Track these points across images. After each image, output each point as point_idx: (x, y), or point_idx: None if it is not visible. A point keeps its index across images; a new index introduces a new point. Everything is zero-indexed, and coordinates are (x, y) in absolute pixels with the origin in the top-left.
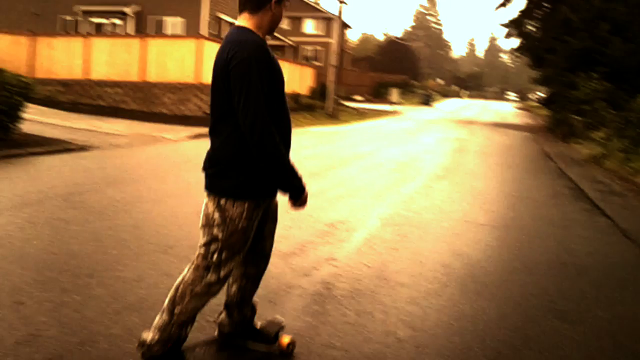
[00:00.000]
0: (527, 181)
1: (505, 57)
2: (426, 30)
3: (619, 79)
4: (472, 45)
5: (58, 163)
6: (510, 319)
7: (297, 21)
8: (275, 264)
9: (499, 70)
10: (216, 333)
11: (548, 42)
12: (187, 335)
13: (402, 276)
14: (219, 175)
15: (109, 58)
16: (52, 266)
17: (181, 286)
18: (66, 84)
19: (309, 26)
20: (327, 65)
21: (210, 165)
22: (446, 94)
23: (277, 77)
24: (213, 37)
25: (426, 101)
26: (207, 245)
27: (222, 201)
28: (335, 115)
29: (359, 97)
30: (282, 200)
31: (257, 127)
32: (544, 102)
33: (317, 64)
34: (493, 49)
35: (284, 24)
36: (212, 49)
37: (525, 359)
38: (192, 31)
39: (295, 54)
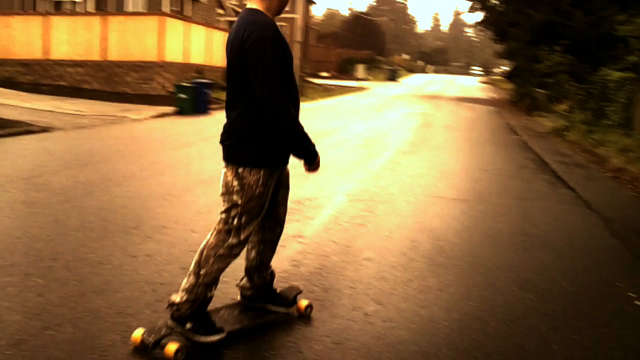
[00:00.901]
0: (492, 155)
1: (469, 32)
2: (391, 5)
3: (582, 52)
4: (436, 19)
5: (19, 145)
6: (475, 291)
7: None
8: None
9: (463, 45)
10: (239, 297)
11: (511, 16)
12: (212, 297)
13: (369, 251)
14: (236, 145)
15: (70, 37)
16: (14, 250)
17: (205, 250)
18: (26, 65)
19: None
20: (292, 41)
21: (228, 137)
22: (412, 69)
23: (287, 55)
24: (175, 14)
25: (392, 77)
26: (227, 211)
27: (240, 169)
28: (301, 92)
29: (325, 74)
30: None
31: (273, 100)
32: (507, 76)
33: None
34: (457, 24)
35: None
36: (174, 27)
37: (490, 330)
38: (153, 8)
39: None
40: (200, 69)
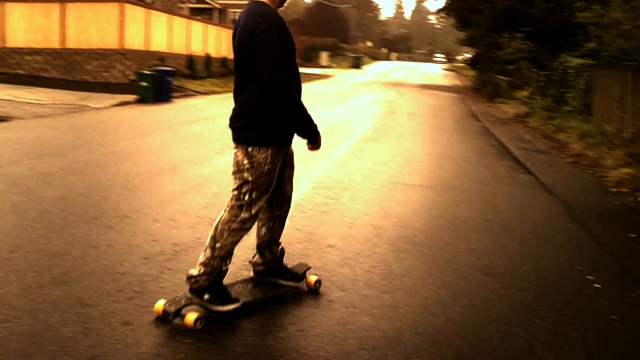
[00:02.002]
0: (455, 141)
1: (432, 19)
2: None
3: (542, 39)
4: (400, 7)
5: None
6: (438, 276)
7: None
8: (205, 232)
9: (427, 32)
10: (252, 273)
11: (473, 3)
12: (227, 270)
13: (333, 239)
14: (246, 127)
15: (27, 24)
16: None
17: (220, 225)
18: None
19: None
20: None
21: (237, 120)
22: (376, 57)
23: (290, 43)
24: (136, 1)
25: (356, 64)
26: (239, 188)
27: (250, 149)
28: None
29: None
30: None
31: (280, 84)
32: (470, 63)
33: None
34: (420, 11)
35: None
36: (135, 14)
37: (452, 314)
38: None
39: (222, 17)
40: (162, 57)
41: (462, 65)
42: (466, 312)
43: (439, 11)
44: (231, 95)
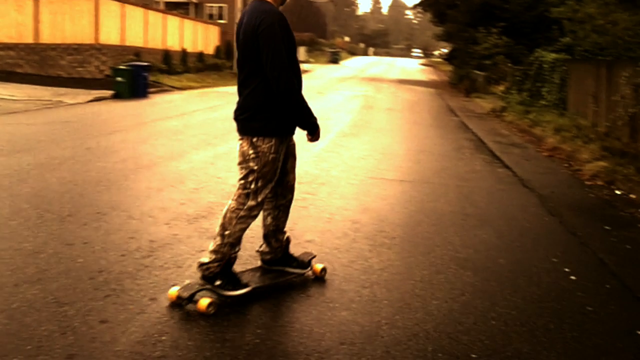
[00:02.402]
0: (433, 136)
1: (409, 14)
2: None
3: (518, 34)
4: (376, 2)
5: None
6: (416, 270)
7: None
8: (182, 228)
9: (404, 27)
10: (259, 262)
11: None
12: (236, 257)
13: (311, 234)
14: (250, 119)
15: None
16: None
17: (228, 213)
18: None
19: None
20: (232, 23)
21: (242, 112)
22: (353, 52)
23: (291, 40)
24: None
25: (334, 59)
26: (245, 177)
27: (255, 139)
28: None
29: None
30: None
31: (282, 78)
32: (447, 58)
33: (221, 22)
34: (397, 6)
35: None
36: (110, 8)
37: (430, 308)
38: None
39: (198, 11)
40: (137, 52)
41: (439, 60)
42: (444, 305)
43: (416, 6)
44: (207, 90)
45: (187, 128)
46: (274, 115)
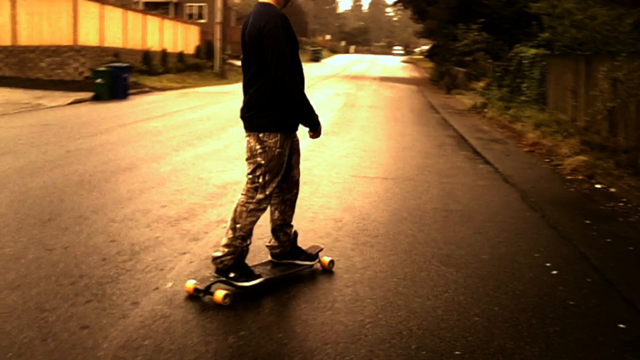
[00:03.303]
0: (414, 133)
1: (389, 11)
2: None
3: (498, 30)
4: None
5: None
6: (399, 268)
7: None
8: (164, 230)
9: (384, 25)
10: (269, 256)
11: None
12: (247, 250)
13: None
14: (256, 116)
15: None
16: None
17: (238, 207)
18: None
19: None
20: (212, 22)
21: (248, 110)
22: (335, 50)
23: (294, 41)
24: None
25: (315, 57)
26: (253, 172)
27: (261, 135)
28: (223, 74)
29: None
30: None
31: (286, 77)
32: (428, 55)
33: (201, 21)
34: (377, 3)
35: None
36: (88, 8)
37: (413, 305)
38: None
39: (178, 11)
40: (117, 53)
41: (420, 57)
42: (427, 302)
43: (396, 3)
44: (188, 90)
45: (168, 129)
46: (278, 112)
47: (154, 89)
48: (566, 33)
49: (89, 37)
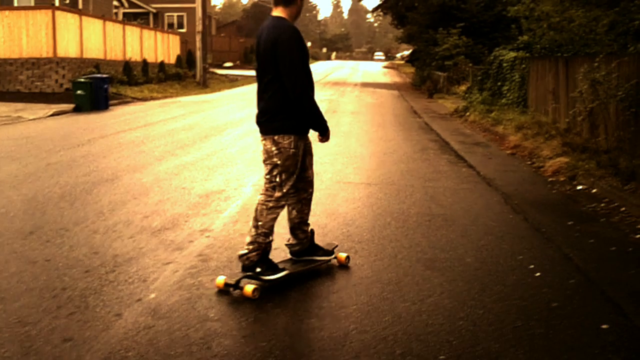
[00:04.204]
0: (397, 138)
1: (370, 17)
2: None
3: (477, 34)
4: (337, 6)
5: None
6: (384, 273)
7: None
8: (147, 241)
9: (365, 31)
10: (289, 254)
11: (408, 0)
12: (270, 246)
13: (277, 241)
14: (270, 120)
15: None
16: None
17: (258, 207)
18: None
19: None
20: (193, 31)
21: (263, 115)
22: (316, 57)
23: (305, 50)
24: (68, 7)
25: None
26: (270, 172)
27: (276, 137)
28: (205, 83)
29: (229, 64)
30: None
31: (297, 85)
32: (409, 60)
33: (182, 31)
34: (358, 9)
35: None
36: (67, 20)
37: (399, 310)
38: (44, 1)
39: (157, 21)
40: (97, 64)
41: (401, 62)
42: (412, 307)
43: (375, 9)
44: (170, 100)
45: (150, 139)
46: (290, 116)
47: (135, 99)
48: (545, 35)
49: (68, 48)
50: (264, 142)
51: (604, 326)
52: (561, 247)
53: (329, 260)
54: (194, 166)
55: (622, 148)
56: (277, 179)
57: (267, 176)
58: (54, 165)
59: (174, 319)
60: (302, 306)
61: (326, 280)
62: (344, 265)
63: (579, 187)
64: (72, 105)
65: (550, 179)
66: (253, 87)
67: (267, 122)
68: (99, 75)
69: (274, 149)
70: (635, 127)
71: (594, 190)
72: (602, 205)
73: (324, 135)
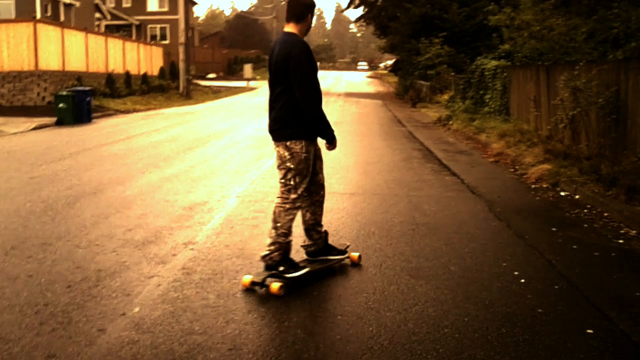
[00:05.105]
0: (381, 147)
1: (353, 27)
2: (274, 3)
3: (459, 43)
4: (320, 16)
5: None
6: (368, 283)
7: None
8: (130, 255)
9: (348, 41)
10: (305, 254)
11: (390, 10)
12: (290, 246)
13: (262, 252)
14: (282, 128)
15: None
16: None
17: (276, 209)
18: None
19: (153, 4)
20: (176, 43)
21: (275, 123)
22: None
23: (314, 64)
24: (49, 20)
25: None
26: (285, 176)
27: (288, 143)
28: (188, 95)
29: (212, 75)
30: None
31: (307, 96)
32: (392, 70)
33: (165, 42)
34: (340, 20)
35: (126, 3)
36: (49, 33)
37: (384, 320)
38: (25, 14)
39: (140, 33)
40: (79, 76)
41: (384, 71)
42: (397, 316)
43: (358, 19)
44: (153, 112)
45: (133, 152)
46: (300, 123)
47: (118, 112)
48: (526, 44)
49: (50, 61)
50: (277, 148)
51: (589, 331)
52: (545, 254)
53: (343, 259)
54: (177, 178)
55: (604, 154)
56: (292, 182)
57: (282, 180)
58: (36, 179)
59: (158, 333)
60: (287, 318)
61: (311, 291)
62: (356, 264)
63: (562, 194)
64: (54, 119)
65: (533, 186)
66: (237, 98)
67: (279, 130)
68: (81, 88)
69: (286, 154)
70: (616, 133)
71: (577, 197)
72: (585, 211)
73: (331, 143)
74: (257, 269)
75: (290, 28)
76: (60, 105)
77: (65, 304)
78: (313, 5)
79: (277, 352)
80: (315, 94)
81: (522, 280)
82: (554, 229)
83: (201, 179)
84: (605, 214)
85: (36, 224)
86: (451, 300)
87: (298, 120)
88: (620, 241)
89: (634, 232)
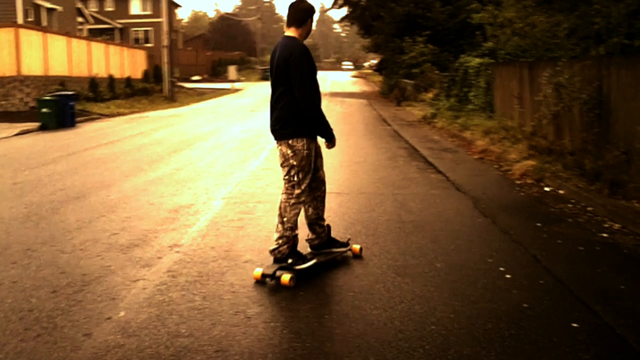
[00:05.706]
0: (367, 146)
1: (337, 27)
2: (257, 5)
3: (443, 41)
4: None
5: None
6: (355, 282)
7: (122, 2)
8: (115, 259)
9: (333, 41)
10: (309, 248)
11: (374, 10)
12: (297, 239)
13: (249, 253)
14: (284, 127)
15: None
16: None
17: (282, 205)
18: None
19: (136, 7)
20: (159, 46)
21: (276, 123)
22: None
23: (313, 66)
24: (31, 25)
25: (266, 76)
26: (288, 172)
27: (290, 141)
28: (173, 97)
29: (197, 77)
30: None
31: (307, 97)
32: (376, 69)
33: (148, 45)
34: (325, 20)
35: (109, 6)
36: (31, 38)
37: (371, 318)
38: (6, 19)
39: (124, 36)
40: (62, 81)
41: (369, 71)
42: (384, 314)
43: (342, 19)
44: (137, 115)
45: (118, 155)
46: (301, 122)
47: (102, 116)
48: (509, 41)
49: (32, 66)
50: (279, 147)
51: (574, 325)
52: (530, 249)
53: (346, 251)
54: (162, 181)
55: (587, 149)
56: (295, 178)
57: (286, 177)
58: (20, 184)
59: (144, 337)
60: (274, 317)
61: (298, 291)
62: (357, 256)
63: (546, 189)
64: (37, 124)
65: (517, 182)
66: (222, 100)
67: (281, 129)
68: (64, 93)
69: (289, 152)
70: (598, 128)
71: (561, 192)
72: (569, 206)
73: (330, 142)
74: (242, 270)
75: (291, 32)
76: (44, 110)
77: (50, 309)
78: (313, 11)
79: (263, 353)
80: (314, 94)
81: (508, 276)
82: (538, 224)
83: (186, 181)
84: (590, 209)
85: (20, 229)
86: (437, 297)
87: (299, 120)
88: (605, 235)
89: (618, 225)
